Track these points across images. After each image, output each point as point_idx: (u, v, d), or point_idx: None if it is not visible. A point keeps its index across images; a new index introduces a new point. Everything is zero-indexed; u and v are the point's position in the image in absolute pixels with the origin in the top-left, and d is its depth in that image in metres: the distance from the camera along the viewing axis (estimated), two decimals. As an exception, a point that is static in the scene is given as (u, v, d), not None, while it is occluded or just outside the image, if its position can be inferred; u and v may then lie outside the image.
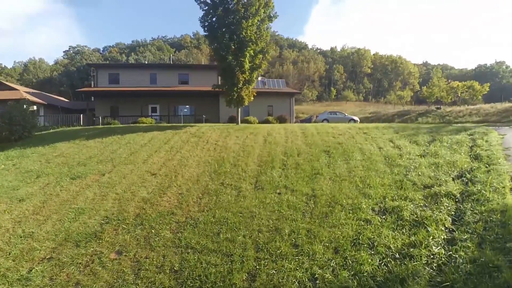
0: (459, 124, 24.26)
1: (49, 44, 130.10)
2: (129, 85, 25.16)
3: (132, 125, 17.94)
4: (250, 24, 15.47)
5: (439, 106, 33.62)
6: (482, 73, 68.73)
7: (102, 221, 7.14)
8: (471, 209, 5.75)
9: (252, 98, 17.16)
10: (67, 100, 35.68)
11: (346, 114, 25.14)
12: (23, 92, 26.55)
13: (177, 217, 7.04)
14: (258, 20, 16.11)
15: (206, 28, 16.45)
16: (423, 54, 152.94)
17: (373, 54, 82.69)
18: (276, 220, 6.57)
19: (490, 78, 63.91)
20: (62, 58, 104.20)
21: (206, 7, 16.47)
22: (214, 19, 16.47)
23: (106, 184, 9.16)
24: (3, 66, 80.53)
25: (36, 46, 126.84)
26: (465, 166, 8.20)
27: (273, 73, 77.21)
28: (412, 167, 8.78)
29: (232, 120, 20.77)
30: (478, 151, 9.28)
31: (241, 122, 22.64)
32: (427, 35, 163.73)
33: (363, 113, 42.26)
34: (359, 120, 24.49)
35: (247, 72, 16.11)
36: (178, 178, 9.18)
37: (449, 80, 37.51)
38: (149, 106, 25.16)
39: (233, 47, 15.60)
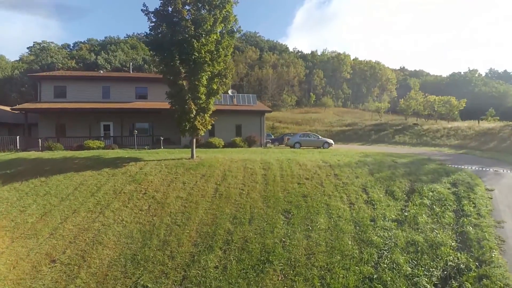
0: (437, 149, 22.91)
1: (17, 38, 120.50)
2: (78, 99, 21.98)
3: (68, 156, 15.15)
4: (204, 43, 13.09)
5: (416, 123, 32.71)
6: (456, 81, 69.69)
7: None
8: None
9: (210, 126, 14.82)
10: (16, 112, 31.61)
11: (320, 137, 23.07)
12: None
13: None
14: (215, 38, 13.72)
15: (153, 46, 13.88)
16: (400, 59, 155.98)
17: (353, 59, 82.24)
18: None
19: (464, 86, 64.91)
20: (26, 54, 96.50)
21: (156, 19, 13.91)
22: (164, 33, 13.97)
23: (-17, 279, 6.70)
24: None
25: (2, 40, 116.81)
26: (450, 258, 6.47)
27: (252, 76, 74.98)
28: (386, 248, 7.26)
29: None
30: (465, 225, 7.67)
31: (204, 145, 20.34)
32: (406, 41, 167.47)
33: (340, 125, 40.99)
34: (333, 144, 22.64)
35: (202, 98, 13.76)
36: (82, 271, 6.83)
37: (426, 94, 36.92)
38: (101, 124, 22.10)
39: (183, 70, 13.22)
